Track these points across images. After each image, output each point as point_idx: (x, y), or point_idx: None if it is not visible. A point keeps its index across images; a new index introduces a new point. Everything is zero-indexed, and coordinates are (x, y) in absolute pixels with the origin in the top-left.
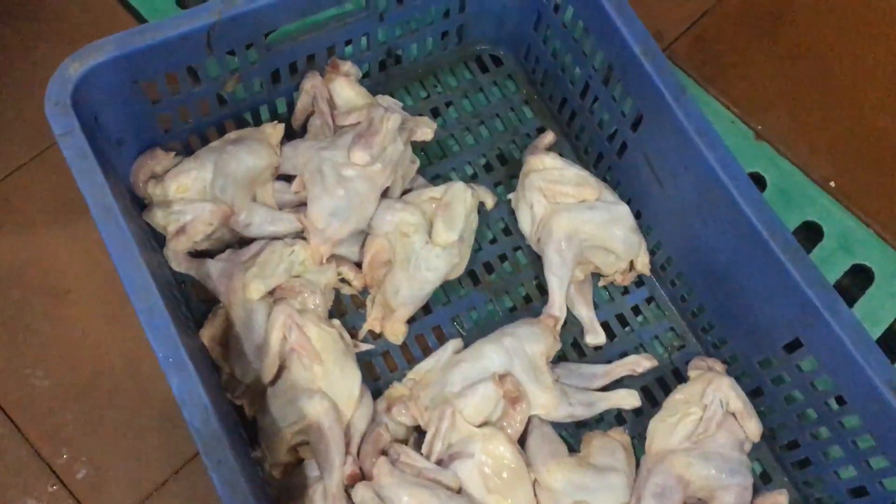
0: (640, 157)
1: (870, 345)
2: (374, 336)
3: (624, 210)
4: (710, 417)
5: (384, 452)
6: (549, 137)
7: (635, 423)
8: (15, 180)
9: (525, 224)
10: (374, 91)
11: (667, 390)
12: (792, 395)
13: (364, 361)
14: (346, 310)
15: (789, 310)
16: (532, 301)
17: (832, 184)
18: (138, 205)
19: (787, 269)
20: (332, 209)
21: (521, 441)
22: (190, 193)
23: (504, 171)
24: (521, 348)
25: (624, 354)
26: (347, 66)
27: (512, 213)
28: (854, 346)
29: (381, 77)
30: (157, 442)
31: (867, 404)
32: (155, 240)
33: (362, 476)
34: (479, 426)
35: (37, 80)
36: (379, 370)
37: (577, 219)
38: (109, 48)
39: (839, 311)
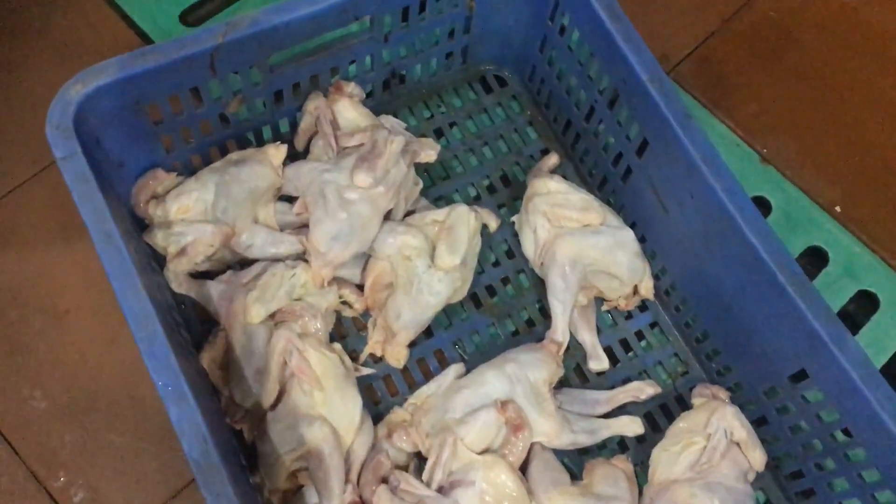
0: (646, 183)
1: (877, 379)
2: (375, 359)
3: (628, 235)
4: (714, 447)
5: (384, 480)
6: (553, 159)
7: (638, 450)
8: (15, 198)
9: (528, 248)
10: (377, 111)
11: (670, 417)
12: (797, 425)
13: (364, 385)
14: (346, 332)
15: (795, 341)
16: (535, 325)
17: (838, 208)
18: (139, 225)
19: (794, 301)
20: (335, 232)
21: (523, 469)
22: (191, 214)
23: (507, 193)
24: (524, 374)
25: (627, 380)
26: (351, 87)
27: (515, 235)
28: (861, 380)
29: (384, 97)
30: (156, 465)
31: (874, 438)
32: (155, 260)
33: None
34: (481, 453)
35: (39, 98)
36: (380, 394)
37: (581, 243)
38: (111, 71)
39: (846, 345)
